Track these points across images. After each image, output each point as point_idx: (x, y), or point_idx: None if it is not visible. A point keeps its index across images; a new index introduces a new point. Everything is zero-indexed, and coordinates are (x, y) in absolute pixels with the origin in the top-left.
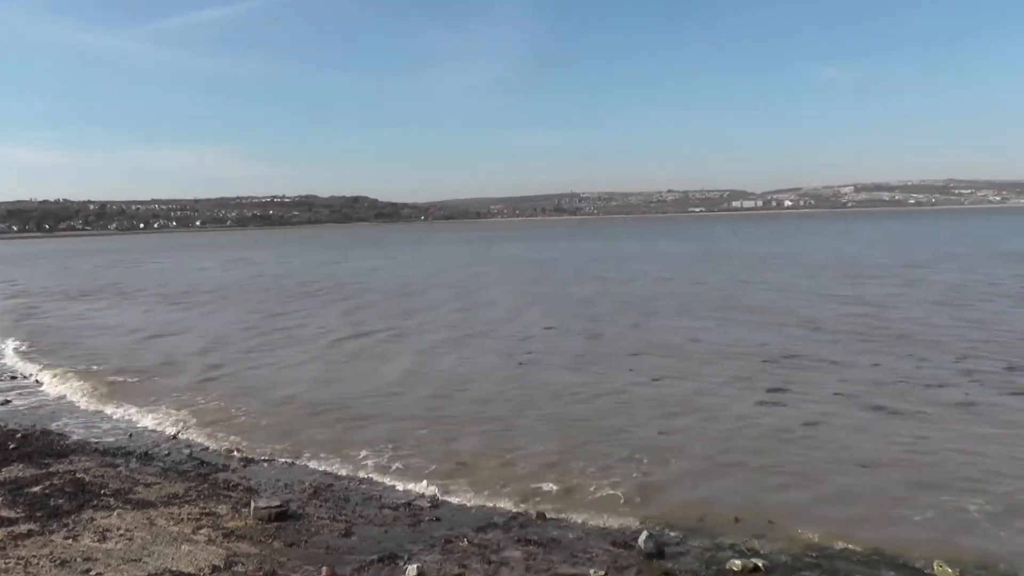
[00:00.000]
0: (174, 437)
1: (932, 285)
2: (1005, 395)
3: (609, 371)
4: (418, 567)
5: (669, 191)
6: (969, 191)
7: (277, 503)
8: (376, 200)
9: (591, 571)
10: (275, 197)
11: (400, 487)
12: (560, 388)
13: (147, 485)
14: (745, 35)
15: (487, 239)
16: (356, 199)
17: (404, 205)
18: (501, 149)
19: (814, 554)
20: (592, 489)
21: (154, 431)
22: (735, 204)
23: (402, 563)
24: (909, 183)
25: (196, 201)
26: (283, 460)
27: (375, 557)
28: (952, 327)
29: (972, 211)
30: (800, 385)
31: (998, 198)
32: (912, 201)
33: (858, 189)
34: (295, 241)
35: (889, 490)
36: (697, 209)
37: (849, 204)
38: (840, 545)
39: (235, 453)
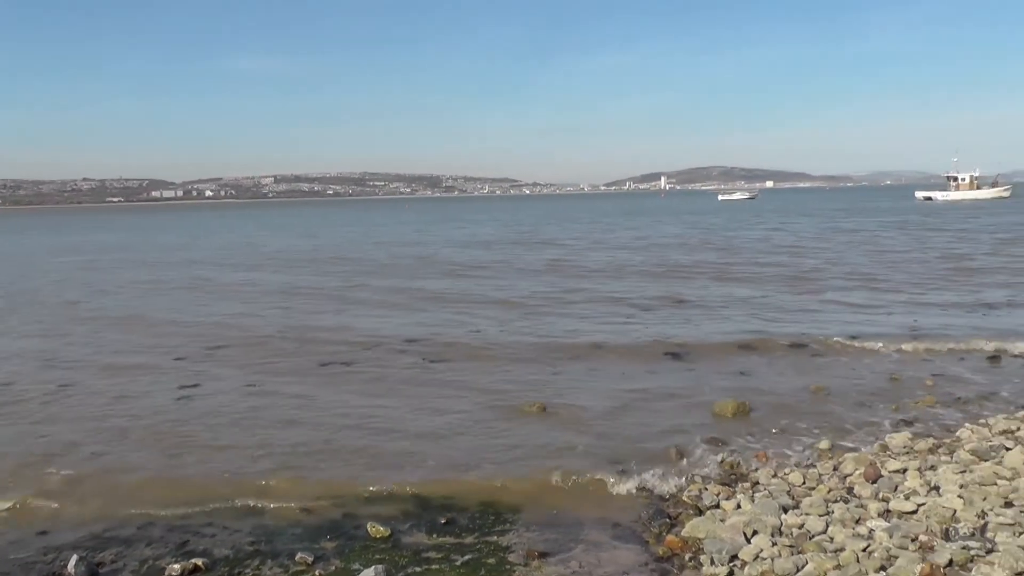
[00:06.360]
0: None
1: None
2: None
3: None
4: None
5: (85, 179)
6: (383, 183)
7: None
8: None
9: None
10: None
11: None
12: None
13: None
14: (161, 16)
15: None
16: None
17: None
18: None
19: (258, 540)
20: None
21: None
22: (155, 194)
23: None
24: (328, 175)
25: None
26: None
27: None
28: None
29: (384, 201)
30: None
31: (408, 190)
32: (331, 192)
33: (279, 180)
34: None
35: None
36: (115, 199)
37: (270, 195)
38: (298, 519)
39: None
